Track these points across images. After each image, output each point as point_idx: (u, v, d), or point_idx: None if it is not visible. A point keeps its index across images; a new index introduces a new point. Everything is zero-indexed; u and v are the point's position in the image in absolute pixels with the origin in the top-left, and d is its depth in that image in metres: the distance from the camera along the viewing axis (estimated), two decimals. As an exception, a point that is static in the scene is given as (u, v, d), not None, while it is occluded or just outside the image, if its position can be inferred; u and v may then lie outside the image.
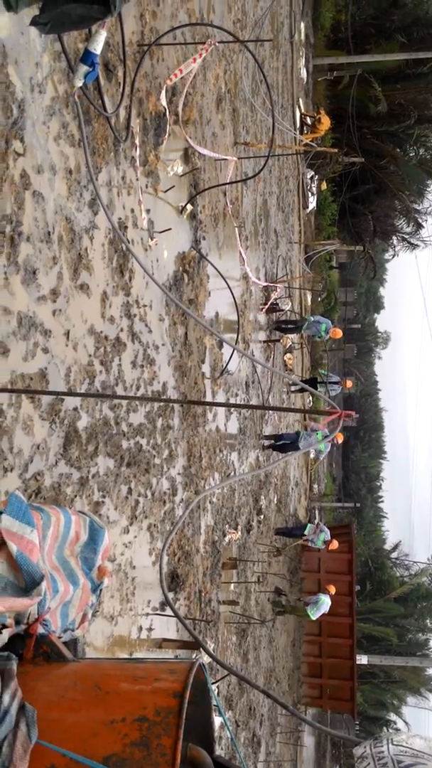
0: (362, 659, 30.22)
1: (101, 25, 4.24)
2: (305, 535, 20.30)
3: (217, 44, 8.95)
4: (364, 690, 44.72)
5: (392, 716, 52.64)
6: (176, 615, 3.91)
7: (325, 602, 18.79)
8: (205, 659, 9.09)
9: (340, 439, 17.74)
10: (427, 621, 50.59)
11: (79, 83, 4.55)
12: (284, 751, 20.30)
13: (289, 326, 19.94)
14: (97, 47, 4.35)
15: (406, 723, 52.23)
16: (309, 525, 20.87)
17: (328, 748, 41.26)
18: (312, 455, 19.71)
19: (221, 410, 11.93)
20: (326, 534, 20.49)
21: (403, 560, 58.14)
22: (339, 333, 20.42)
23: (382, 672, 46.35)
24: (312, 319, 19.77)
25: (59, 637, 3.32)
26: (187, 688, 2.75)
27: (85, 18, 3.72)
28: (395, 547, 61.64)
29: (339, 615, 25.75)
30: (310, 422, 29.27)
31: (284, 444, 16.81)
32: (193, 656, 8.87)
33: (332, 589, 19.53)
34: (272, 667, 18.36)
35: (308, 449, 17.92)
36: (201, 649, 3.74)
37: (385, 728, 47.32)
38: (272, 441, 16.92)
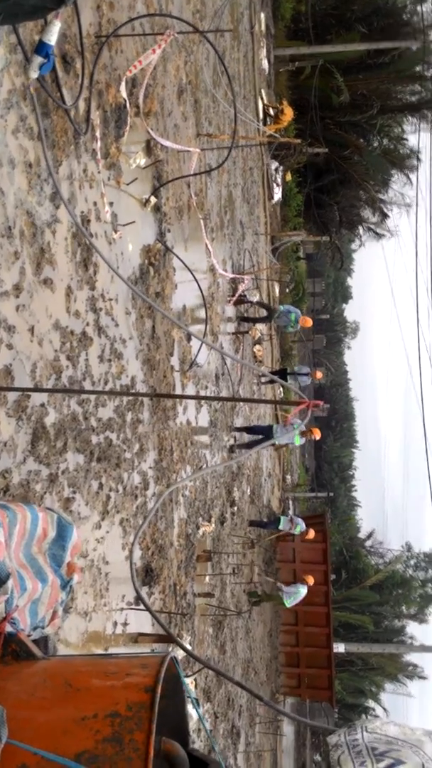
0: (339, 647, 30.40)
1: (55, 15, 4.18)
2: (280, 530, 20.39)
3: (176, 35, 8.90)
4: (342, 678, 45.08)
5: (371, 703, 53.18)
6: (148, 609, 3.89)
7: (302, 593, 18.88)
8: (181, 653, 9.08)
9: (317, 435, 17.74)
10: (403, 607, 51.16)
11: (35, 75, 4.49)
12: (264, 741, 20.38)
13: (259, 319, 20.02)
14: (52, 38, 4.30)
15: (384, 709, 52.79)
16: (282, 518, 20.91)
17: (308, 737, 41.52)
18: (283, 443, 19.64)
19: (191, 403, 11.90)
20: (301, 525, 20.56)
21: (378, 548, 58.73)
22: (309, 321, 20.55)
23: (360, 659, 46.77)
24: (282, 309, 19.83)
25: (29, 635, 3.28)
26: (158, 682, 2.73)
27: (38, 8, 3.66)
28: (369, 536, 62.23)
29: (315, 604, 25.91)
30: (289, 417, 29.39)
31: (257, 439, 16.63)
32: (170, 649, 8.85)
33: (310, 580, 19.62)
34: (250, 658, 18.40)
35: (283, 442, 17.80)
36: (174, 643, 3.72)
37: (363, 715, 47.76)
38: (243, 432, 16.82)
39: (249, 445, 16.42)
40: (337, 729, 2.99)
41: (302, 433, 17.84)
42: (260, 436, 16.86)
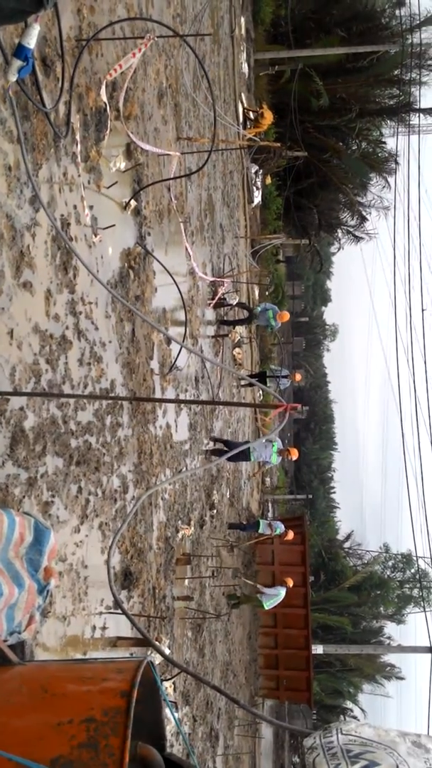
0: (318, 649, 30.48)
1: (35, 18, 4.18)
2: (259, 533, 20.43)
3: (156, 39, 8.91)
4: (321, 679, 45.22)
5: (349, 704, 53.37)
6: (125, 613, 3.90)
7: (281, 595, 18.91)
8: (159, 657, 9.08)
9: (294, 456, 17.75)
10: (381, 608, 51.36)
11: (13, 78, 4.48)
12: (243, 743, 20.41)
13: (239, 321, 20.09)
14: (31, 41, 4.29)
15: (362, 710, 53.01)
16: (261, 521, 20.94)
17: (286, 739, 41.60)
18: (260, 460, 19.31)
19: (171, 406, 11.91)
20: (280, 527, 20.59)
21: (356, 550, 58.98)
22: (286, 315, 20.65)
23: (338, 661, 46.94)
24: (259, 308, 19.91)
25: (5, 641, 3.28)
26: (134, 687, 2.74)
27: (17, 12, 3.67)
28: (348, 537, 62.49)
29: (294, 606, 25.97)
30: (268, 419, 29.40)
31: (234, 455, 16.08)
32: (148, 654, 8.85)
33: (290, 582, 19.66)
34: (229, 661, 18.42)
35: (260, 459, 17.43)
36: (152, 647, 3.73)
37: (342, 716, 47.91)
38: (221, 445, 16.32)
39: (221, 453, 15.96)
40: (312, 731, 3.02)
41: (279, 452, 17.77)
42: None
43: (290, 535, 20.86)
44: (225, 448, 15.78)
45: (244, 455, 15.88)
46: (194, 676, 3.56)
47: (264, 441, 16.47)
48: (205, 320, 16.74)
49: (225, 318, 19.03)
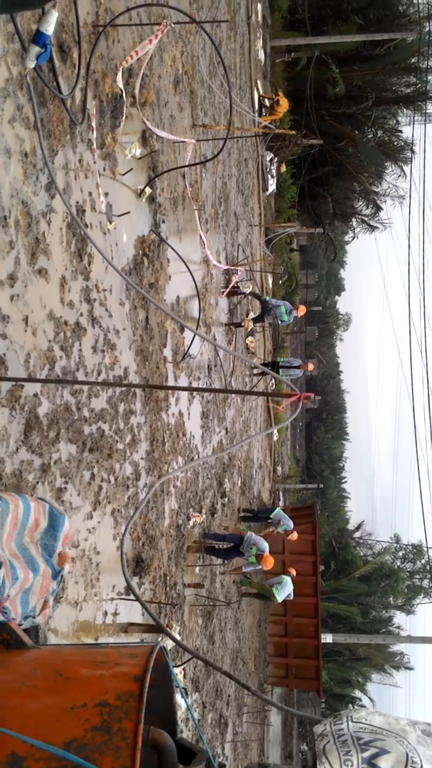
0: (327, 638, 30.55)
1: (53, 5, 4.18)
2: (270, 518, 20.28)
3: (173, 25, 8.88)
4: (330, 668, 45.34)
5: (357, 693, 53.50)
6: (138, 599, 3.92)
7: (287, 582, 18.84)
8: (170, 643, 9.13)
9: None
10: (390, 598, 51.37)
11: (32, 64, 4.49)
12: (251, 730, 20.50)
13: (254, 319, 20.08)
14: (49, 28, 4.29)
15: (371, 700, 53.13)
16: (276, 509, 20.80)
17: (294, 727, 41.77)
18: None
19: (184, 394, 11.93)
20: (288, 525, 20.33)
21: (366, 540, 58.93)
22: (303, 309, 20.63)
23: (347, 650, 47.02)
24: (273, 302, 19.83)
25: (20, 625, 3.31)
26: (147, 672, 2.76)
27: (35, -2, 3.67)
28: (358, 527, 62.42)
29: (304, 595, 26.00)
30: (281, 408, 29.33)
31: (227, 550, 14.40)
32: (159, 639, 8.90)
33: (293, 571, 19.58)
34: (238, 649, 18.49)
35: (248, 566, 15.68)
36: (164, 633, 3.75)
37: (350, 705, 48.04)
38: (213, 545, 14.19)
39: (224, 553, 14.51)
40: (323, 719, 3.04)
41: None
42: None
43: (294, 536, 20.65)
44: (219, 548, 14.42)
45: (236, 550, 14.51)
46: (206, 661, 3.58)
47: (250, 542, 15.01)
48: (219, 308, 16.72)
49: (232, 322, 18.80)
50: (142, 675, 2.77)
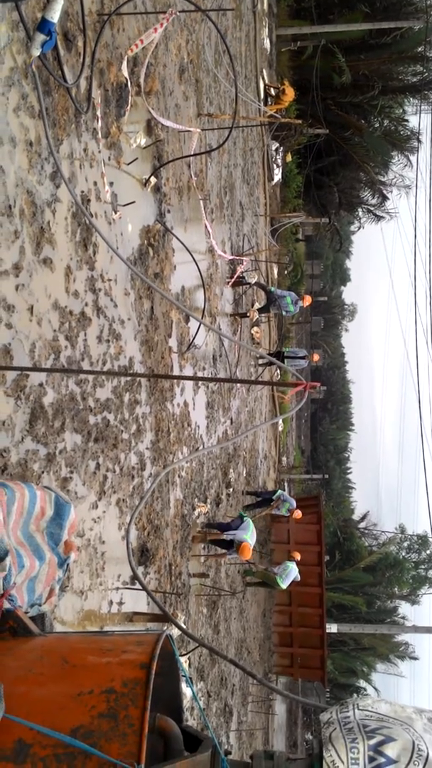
0: (332, 628, 30.61)
1: (58, -8, 4.17)
2: (273, 500, 20.34)
3: (178, 14, 8.84)
4: (335, 658, 45.45)
5: (362, 683, 53.64)
6: (144, 588, 3.93)
7: (292, 568, 18.86)
8: (175, 632, 9.16)
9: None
10: (395, 588, 51.44)
11: (37, 52, 4.47)
12: (256, 719, 20.58)
13: (259, 309, 20.08)
14: (54, 15, 4.27)
15: (375, 689, 53.24)
16: (279, 490, 20.88)
17: (299, 716, 41.92)
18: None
19: (189, 384, 11.93)
20: (291, 503, 20.47)
21: (371, 530, 58.95)
22: (309, 299, 20.64)
23: (352, 640, 47.12)
24: (278, 293, 19.80)
25: (26, 612, 3.32)
26: (153, 660, 2.77)
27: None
28: (363, 517, 62.45)
29: (309, 585, 26.04)
30: (287, 398, 29.30)
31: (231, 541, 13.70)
32: (164, 628, 8.93)
33: (297, 556, 19.61)
34: (243, 638, 18.55)
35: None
36: (170, 621, 3.76)
37: (355, 695, 48.11)
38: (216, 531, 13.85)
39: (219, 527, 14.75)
40: (329, 707, 3.04)
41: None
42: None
43: (298, 513, 20.72)
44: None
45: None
46: (211, 649, 3.59)
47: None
48: (224, 298, 16.70)
49: (237, 312, 18.76)
50: (148, 662, 2.78)
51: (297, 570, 18.80)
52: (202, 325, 11.89)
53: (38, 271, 5.84)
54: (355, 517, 66.09)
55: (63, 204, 6.31)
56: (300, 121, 29.23)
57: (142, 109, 8.91)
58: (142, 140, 9.09)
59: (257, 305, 20.74)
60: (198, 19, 12.84)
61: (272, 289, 20.44)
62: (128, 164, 8.50)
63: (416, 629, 36.98)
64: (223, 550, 13.70)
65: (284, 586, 18.63)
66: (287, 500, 20.32)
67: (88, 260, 6.97)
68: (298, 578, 19.11)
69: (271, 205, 30.47)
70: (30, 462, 5.57)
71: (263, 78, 27.84)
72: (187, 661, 11.02)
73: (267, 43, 30.20)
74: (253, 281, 19.08)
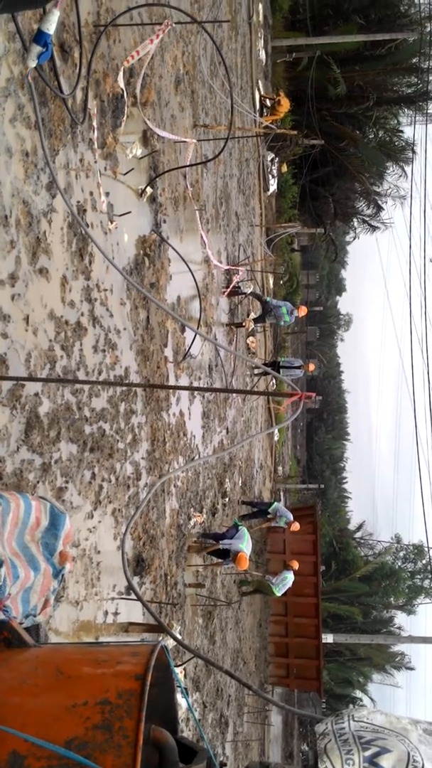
0: (328, 638, 30.51)
1: (54, 4, 4.19)
2: (269, 513, 20.31)
3: (174, 25, 8.88)
4: (330, 668, 45.32)
5: (358, 693, 53.50)
6: (139, 598, 3.92)
7: (290, 578, 18.84)
8: (171, 642, 9.13)
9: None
10: (391, 598, 51.38)
11: (33, 64, 4.49)
12: (252, 730, 20.50)
13: (254, 319, 20.13)
14: (50, 27, 4.29)
15: (371, 700, 53.10)
16: (274, 503, 20.85)
17: (295, 727, 41.75)
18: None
19: (185, 394, 11.93)
20: (287, 517, 20.41)
21: (367, 540, 58.90)
22: (304, 310, 20.76)
23: (348, 650, 47.01)
24: (273, 302, 19.84)
25: (21, 623, 3.31)
26: (149, 671, 2.76)
27: (37, -3, 3.66)
28: (359, 527, 62.41)
29: (304, 595, 26.02)
30: (282, 408, 29.32)
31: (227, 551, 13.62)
32: (160, 638, 8.90)
33: (295, 565, 19.57)
34: (239, 648, 18.49)
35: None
36: (165, 632, 3.75)
37: (351, 705, 48.01)
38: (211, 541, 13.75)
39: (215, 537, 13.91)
40: (324, 718, 3.04)
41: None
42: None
43: (296, 526, 20.65)
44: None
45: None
46: (207, 660, 3.58)
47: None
48: (220, 308, 16.72)
49: (233, 322, 18.78)
50: (143, 673, 2.77)
51: (293, 579, 18.77)
52: (197, 335, 11.90)
53: (34, 281, 5.84)
54: (351, 526, 66.07)
55: (59, 214, 6.33)
56: (295, 132, 29.37)
57: (138, 120, 8.94)
58: (138, 151, 9.12)
59: (253, 315, 20.76)
60: (194, 31, 12.90)
61: (268, 299, 20.49)
62: (124, 174, 8.52)
63: (412, 639, 36.87)
64: (219, 560, 13.60)
65: (279, 594, 18.61)
66: (284, 515, 20.25)
67: (83, 270, 6.98)
68: (290, 585, 19.08)
69: (266, 215, 30.55)
70: (25, 472, 5.57)
71: (259, 89, 27.96)
72: (183, 672, 10.98)
73: (262, 55, 30.34)
74: (248, 291, 19.11)
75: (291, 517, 20.41)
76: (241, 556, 13.07)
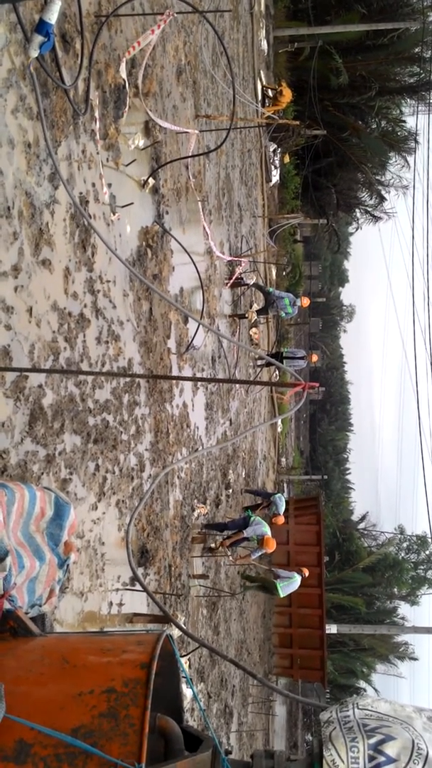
0: (332, 628, 30.62)
1: (56, -6, 4.18)
2: (271, 500, 20.28)
3: (175, 15, 8.85)
4: (334, 659, 45.43)
5: (362, 683, 53.63)
6: (144, 589, 3.94)
7: (296, 581, 18.85)
8: (175, 633, 9.16)
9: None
10: (395, 589, 51.48)
11: (35, 54, 4.48)
12: (256, 721, 20.58)
13: (257, 311, 20.12)
14: (52, 17, 4.28)
15: (375, 690, 53.19)
16: (278, 494, 20.85)
17: (299, 717, 41.92)
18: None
19: (188, 385, 11.93)
20: (278, 509, 20.17)
21: (371, 531, 59.02)
22: (306, 301, 20.76)
23: (352, 640, 47.12)
24: (276, 293, 19.83)
25: (26, 613, 3.32)
26: (154, 659, 2.78)
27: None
28: (363, 518, 62.53)
29: (308, 586, 26.02)
30: (285, 398, 29.32)
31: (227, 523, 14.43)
32: (164, 629, 8.93)
33: (306, 572, 19.58)
34: (243, 639, 18.54)
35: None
36: (170, 622, 3.77)
37: (354, 695, 48.07)
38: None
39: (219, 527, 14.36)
40: (329, 706, 3.05)
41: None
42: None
43: (280, 519, 20.47)
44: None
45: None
46: (212, 649, 3.60)
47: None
48: (223, 300, 16.70)
49: (236, 313, 18.79)
50: (149, 662, 2.78)
51: (299, 582, 18.77)
52: (200, 327, 11.90)
53: (37, 273, 5.84)
54: (355, 517, 66.18)
55: (61, 205, 6.32)
56: (297, 123, 29.26)
57: (140, 111, 8.92)
58: (140, 142, 9.10)
59: (256, 306, 20.75)
60: (195, 21, 12.85)
61: (270, 290, 20.48)
62: (126, 165, 8.51)
63: (416, 630, 36.98)
64: (247, 552, 14.27)
65: (282, 595, 18.61)
66: (277, 505, 20.17)
67: (86, 262, 6.98)
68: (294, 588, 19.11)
69: (269, 206, 30.50)
70: (29, 463, 5.57)
71: (261, 79, 27.86)
72: (188, 662, 11.02)
73: (264, 45, 30.22)
74: (251, 282, 19.10)
75: (281, 510, 20.34)
76: (268, 539, 13.93)
